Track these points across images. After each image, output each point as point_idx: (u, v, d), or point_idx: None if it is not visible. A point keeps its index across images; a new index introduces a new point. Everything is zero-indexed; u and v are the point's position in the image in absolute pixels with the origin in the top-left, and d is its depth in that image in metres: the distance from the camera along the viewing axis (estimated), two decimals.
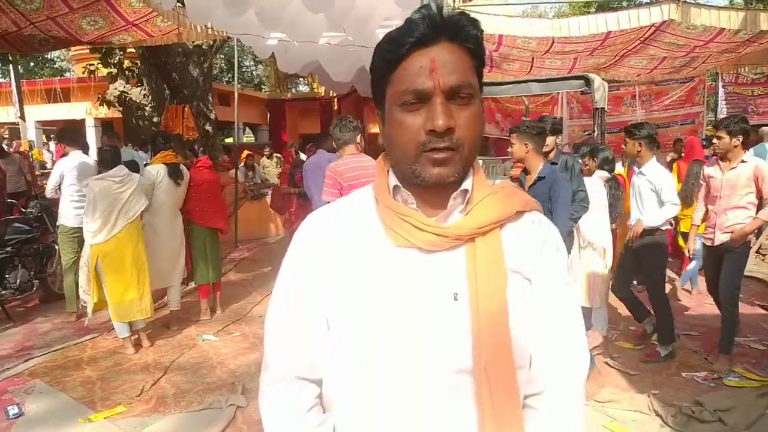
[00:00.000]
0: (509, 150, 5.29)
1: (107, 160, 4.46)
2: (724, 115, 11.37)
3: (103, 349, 4.59)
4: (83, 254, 4.51)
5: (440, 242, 0.87)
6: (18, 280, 5.38)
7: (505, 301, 0.86)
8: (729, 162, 4.15)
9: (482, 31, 0.89)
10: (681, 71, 10.59)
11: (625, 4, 19.65)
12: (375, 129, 18.89)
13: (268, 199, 9.20)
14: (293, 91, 21.19)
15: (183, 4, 6.09)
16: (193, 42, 9.32)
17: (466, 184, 0.91)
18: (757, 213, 4.02)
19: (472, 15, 0.89)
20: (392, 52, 0.86)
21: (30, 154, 10.61)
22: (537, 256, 0.92)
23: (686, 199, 5.82)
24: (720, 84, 11.37)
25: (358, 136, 3.82)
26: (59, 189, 5.22)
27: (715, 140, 4.24)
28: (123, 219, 4.36)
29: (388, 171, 0.95)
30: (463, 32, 0.86)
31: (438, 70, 0.83)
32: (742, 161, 4.11)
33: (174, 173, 4.94)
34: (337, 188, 3.59)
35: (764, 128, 7.39)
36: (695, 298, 5.70)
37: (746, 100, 11.27)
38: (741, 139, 4.07)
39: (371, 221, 0.92)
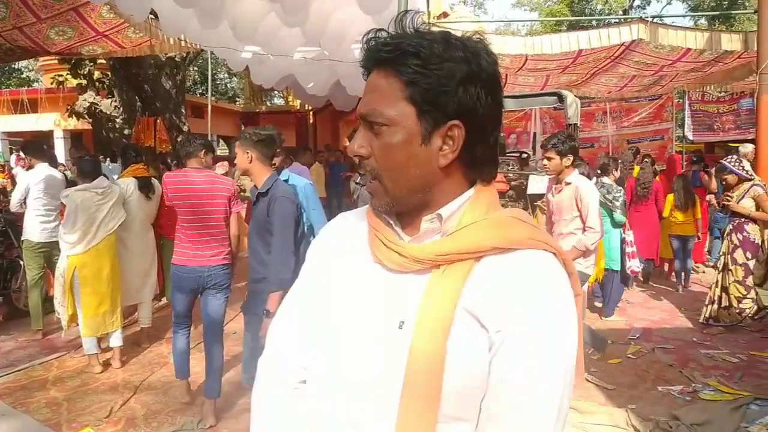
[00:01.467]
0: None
1: (87, 170, 4.36)
2: (691, 131, 11.71)
3: (69, 368, 4.41)
4: (59, 266, 4.41)
5: (402, 263, 0.83)
6: None
7: (443, 342, 0.76)
8: (560, 184, 3.90)
9: (429, 56, 0.79)
10: (650, 89, 10.88)
11: (594, 23, 20.15)
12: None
13: (243, 212, 9.06)
14: (268, 104, 21.06)
15: (156, 16, 6.01)
16: (165, 54, 9.20)
17: (445, 210, 0.84)
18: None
19: (447, 30, 0.87)
20: (362, 73, 0.89)
21: None
22: (508, 306, 0.77)
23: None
24: (687, 101, 11.72)
25: (202, 152, 3.63)
26: (24, 203, 5.05)
27: (544, 161, 3.94)
28: (103, 231, 4.29)
29: None
30: (391, 59, 0.81)
31: (364, 96, 0.86)
32: (566, 183, 3.83)
33: (145, 187, 4.83)
34: (167, 198, 3.59)
35: (747, 144, 7.58)
36: (668, 312, 5.78)
37: (712, 117, 11.63)
38: (572, 159, 3.80)
39: (357, 237, 0.94)
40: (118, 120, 10.44)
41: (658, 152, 10.75)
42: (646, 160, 8.12)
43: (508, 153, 8.50)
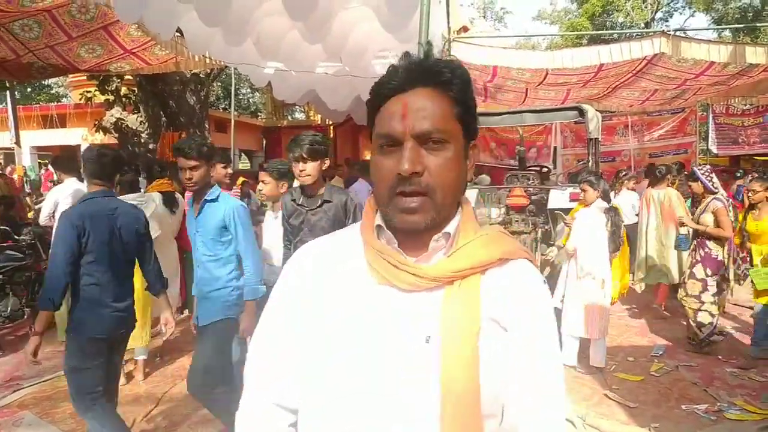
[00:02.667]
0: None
1: (124, 183, 4.50)
2: (716, 145, 11.54)
3: None
4: None
5: (417, 282, 0.87)
6: (9, 308, 5.31)
7: (476, 348, 0.84)
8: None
9: (465, 79, 0.90)
10: (672, 102, 10.76)
11: (616, 36, 20.04)
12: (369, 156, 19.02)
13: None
14: (289, 118, 21.33)
15: (182, 34, 6.17)
16: (190, 70, 9.40)
17: (450, 227, 0.91)
18: None
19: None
20: (376, 96, 0.91)
21: (25, 179, 10.58)
22: (517, 306, 0.90)
23: None
24: (711, 115, 11.55)
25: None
26: (53, 216, 5.18)
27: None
28: None
29: (376, 211, 0.95)
30: (440, 79, 0.88)
31: (409, 116, 0.85)
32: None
33: (169, 201, 4.92)
34: None
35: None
36: None
37: (737, 130, 11.44)
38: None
39: (357, 259, 0.93)
40: (143, 135, 10.67)
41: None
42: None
43: (529, 167, 8.45)
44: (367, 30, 5.91)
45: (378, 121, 0.90)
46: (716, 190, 5.12)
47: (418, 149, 0.86)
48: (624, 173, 8.73)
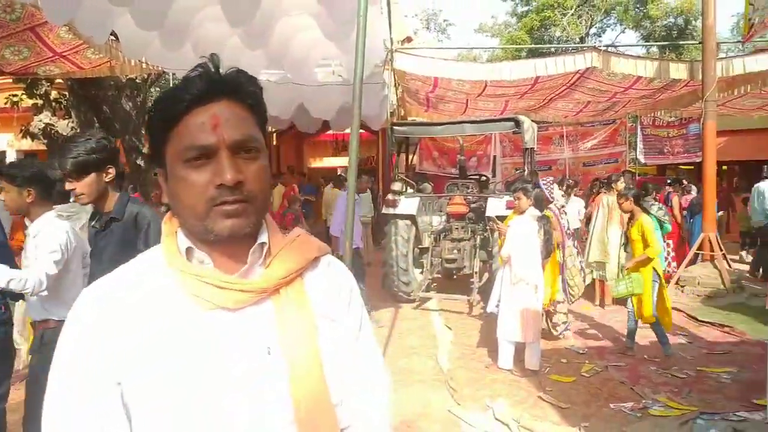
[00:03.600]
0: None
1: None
2: (643, 155, 12.18)
3: None
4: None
5: (246, 298, 0.86)
6: None
7: (317, 348, 0.88)
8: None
9: (261, 88, 0.92)
10: (604, 114, 11.31)
11: (553, 50, 20.84)
12: (315, 163, 18.92)
13: None
14: None
15: (117, 38, 5.97)
16: (126, 75, 9.10)
17: (263, 237, 0.91)
18: None
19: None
20: (171, 109, 0.84)
21: None
22: (337, 297, 0.97)
23: None
24: (639, 126, 12.20)
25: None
26: None
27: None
28: None
29: (176, 232, 0.90)
30: (242, 90, 0.88)
31: (221, 126, 0.84)
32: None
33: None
34: None
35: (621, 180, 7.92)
36: (622, 330, 5.94)
37: (662, 141, 12.13)
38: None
39: (165, 289, 0.86)
40: None
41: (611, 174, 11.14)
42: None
43: (469, 176, 8.66)
44: (309, 38, 5.92)
45: (178, 134, 0.84)
46: (552, 200, 5.60)
47: (235, 159, 0.84)
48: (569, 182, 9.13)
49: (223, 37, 5.86)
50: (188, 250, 0.88)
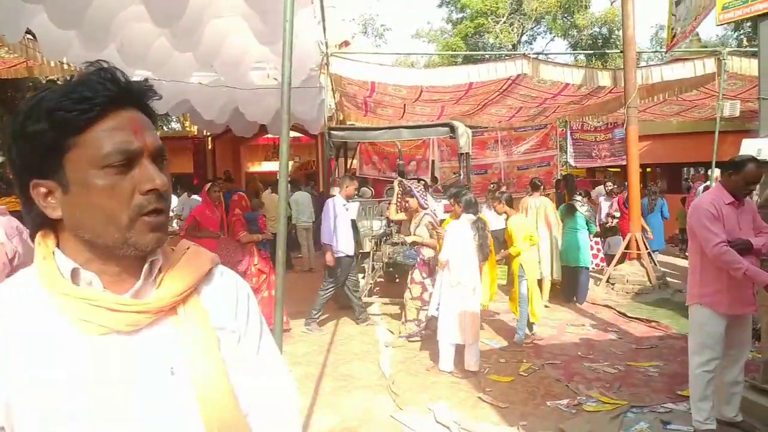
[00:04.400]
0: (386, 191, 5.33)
1: None
2: (573, 158, 12.69)
3: None
4: None
5: (141, 320, 0.81)
6: None
7: (222, 362, 0.87)
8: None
9: (160, 97, 0.90)
10: (536, 119, 11.70)
11: (487, 56, 21.40)
12: (253, 167, 18.55)
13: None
14: (165, 129, 20.25)
15: (34, 37, 5.62)
16: (46, 77, 8.61)
17: (155, 253, 0.86)
18: None
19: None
20: (79, 112, 0.77)
21: None
22: (235, 308, 0.95)
23: None
24: (569, 131, 12.70)
25: None
26: None
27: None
28: None
29: (53, 253, 0.82)
30: (148, 99, 0.86)
31: (141, 132, 0.81)
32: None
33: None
34: None
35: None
36: (557, 328, 6.14)
37: (590, 145, 12.69)
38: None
39: (43, 315, 0.78)
40: None
41: (545, 177, 11.52)
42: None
43: (408, 179, 8.71)
44: (242, 40, 5.76)
45: (91, 139, 0.77)
46: (426, 206, 5.86)
47: (155, 166, 0.82)
48: (496, 188, 9.42)
49: (150, 37, 5.62)
50: (74, 272, 0.80)
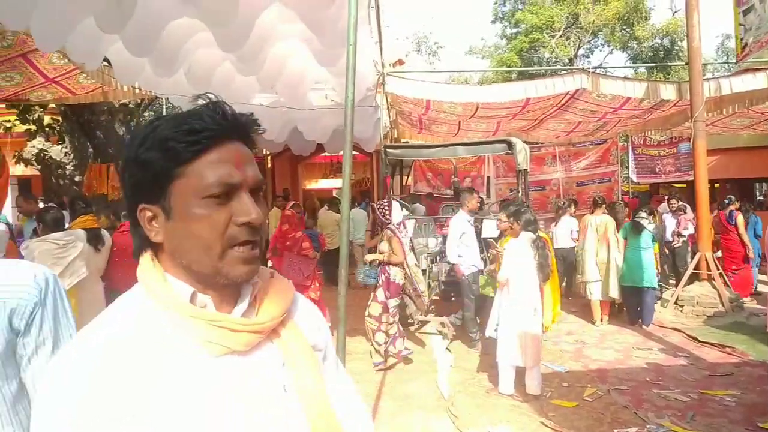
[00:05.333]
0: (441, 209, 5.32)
1: (48, 221, 4.32)
2: (635, 174, 12.27)
3: None
4: None
5: (255, 339, 0.86)
6: None
7: (321, 378, 0.92)
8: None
9: (264, 130, 0.93)
10: (595, 134, 11.39)
11: (543, 72, 21.11)
12: (310, 185, 18.90)
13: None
14: None
15: (109, 63, 5.96)
16: (119, 100, 9.10)
17: (254, 278, 0.91)
18: None
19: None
20: (189, 143, 0.80)
21: None
22: (318, 329, 1.01)
23: None
24: (630, 146, 12.28)
25: None
26: None
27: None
28: (68, 279, 4.17)
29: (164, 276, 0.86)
30: (251, 133, 0.88)
31: (243, 165, 0.84)
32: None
33: (94, 239, 4.67)
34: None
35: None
36: (622, 352, 5.90)
37: (653, 160, 12.21)
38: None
39: (165, 340, 0.81)
40: (68, 167, 10.18)
41: (606, 193, 11.17)
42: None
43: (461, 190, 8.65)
44: (301, 62, 5.93)
45: (196, 169, 0.80)
46: (389, 221, 5.60)
47: (253, 199, 0.85)
48: (563, 203, 9.25)
49: (215, 62, 5.86)
50: (192, 294, 0.85)
